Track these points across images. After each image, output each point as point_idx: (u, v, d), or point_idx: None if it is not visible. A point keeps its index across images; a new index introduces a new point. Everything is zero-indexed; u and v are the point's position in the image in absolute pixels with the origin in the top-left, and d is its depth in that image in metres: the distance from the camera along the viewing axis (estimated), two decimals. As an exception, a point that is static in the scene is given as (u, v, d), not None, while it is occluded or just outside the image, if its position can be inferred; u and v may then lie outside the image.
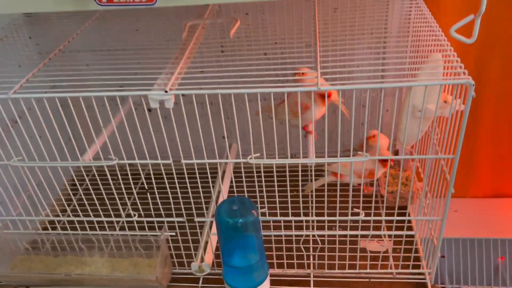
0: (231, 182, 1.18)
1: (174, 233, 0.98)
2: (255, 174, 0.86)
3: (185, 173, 0.87)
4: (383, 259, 1.01)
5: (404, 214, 1.15)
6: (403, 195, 1.14)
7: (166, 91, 0.75)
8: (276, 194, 0.89)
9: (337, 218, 0.91)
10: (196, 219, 0.95)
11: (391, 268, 1.02)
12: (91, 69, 1.25)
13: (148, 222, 0.97)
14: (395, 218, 0.91)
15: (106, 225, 0.99)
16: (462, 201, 1.63)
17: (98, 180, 0.90)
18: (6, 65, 1.13)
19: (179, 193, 0.90)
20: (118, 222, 0.98)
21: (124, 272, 0.97)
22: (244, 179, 0.88)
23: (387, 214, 1.07)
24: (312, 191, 0.94)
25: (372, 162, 1.02)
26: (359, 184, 1.11)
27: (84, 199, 0.95)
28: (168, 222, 0.97)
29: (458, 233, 1.49)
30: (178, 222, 0.96)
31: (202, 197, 0.91)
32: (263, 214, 0.92)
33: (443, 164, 0.86)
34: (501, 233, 1.49)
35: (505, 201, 1.59)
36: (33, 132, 0.84)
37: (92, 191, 0.94)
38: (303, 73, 1.05)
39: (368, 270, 1.01)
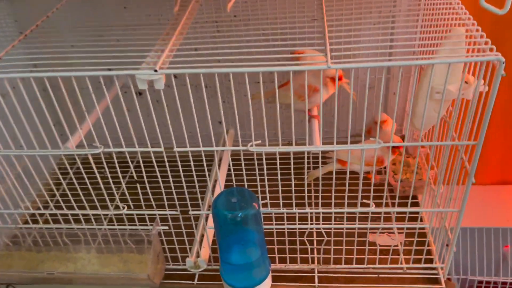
0: (229, 171, 1.10)
1: (167, 227, 0.90)
2: (256, 162, 0.78)
3: (178, 162, 0.79)
4: (392, 253, 0.94)
5: (414, 205, 1.08)
6: (411, 184, 1.07)
7: (155, 70, 0.66)
8: (279, 183, 0.81)
9: (345, 209, 0.84)
10: (191, 211, 0.87)
11: (401, 263, 0.94)
12: (74, 49, 1.16)
13: (138, 215, 0.89)
14: (409, 209, 0.84)
15: (92, 218, 0.91)
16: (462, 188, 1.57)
17: (82, 170, 0.82)
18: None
19: (171, 183, 0.82)
20: (105, 215, 0.89)
21: (113, 270, 0.89)
22: (243, 167, 0.80)
23: (395, 204, 1.00)
24: (318, 179, 0.86)
25: (381, 149, 0.94)
26: (367, 173, 1.03)
27: (68, 191, 0.87)
28: (160, 215, 0.89)
29: (464, 222, 1.43)
30: (171, 215, 0.88)
31: (197, 187, 0.83)
32: (264, 206, 0.85)
33: (461, 151, 0.78)
34: (509, 221, 1.44)
35: (514, 188, 1.53)
36: (8, 118, 0.76)
37: (76, 183, 0.85)
38: (299, 55, 0.97)
39: (377, 265, 0.94)
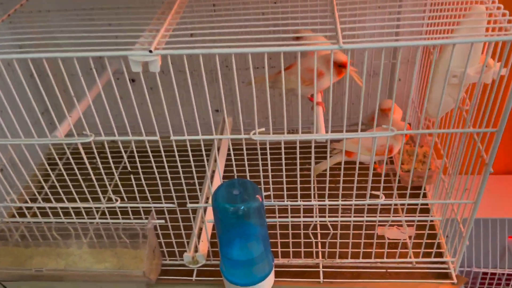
0: (228, 161, 1.05)
1: (163, 220, 0.85)
2: (259, 152, 0.73)
3: (175, 151, 0.74)
4: (400, 247, 0.89)
5: (422, 196, 1.04)
6: (420, 174, 1.02)
7: (150, 51, 0.61)
8: (284, 174, 0.76)
9: (353, 201, 0.79)
10: (189, 204, 0.82)
11: (410, 257, 0.90)
12: (63, 32, 1.10)
13: (132, 208, 0.84)
14: (421, 201, 0.79)
15: (83, 211, 0.85)
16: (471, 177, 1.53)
17: (72, 161, 0.76)
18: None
19: (168, 174, 0.76)
20: (97, 208, 0.84)
21: (106, 266, 0.83)
22: (245, 157, 0.74)
23: (402, 196, 0.96)
24: (325, 171, 0.81)
25: (389, 138, 0.89)
26: (374, 163, 0.98)
27: (57, 183, 0.81)
28: (155, 207, 0.83)
29: (466, 213, 1.40)
30: (167, 207, 0.82)
31: (195, 177, 0.78)
32: (267, 198, 0.80)
33: (479, 140, 0.74)
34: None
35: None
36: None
37: (65, 174, 0.79)
38: (302, 34, 0.91)
39: (385, 259, 0.89)
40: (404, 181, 1.04)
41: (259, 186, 0.75)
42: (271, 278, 0.81)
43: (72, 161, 0.76)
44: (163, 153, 0.74)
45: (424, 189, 1.05)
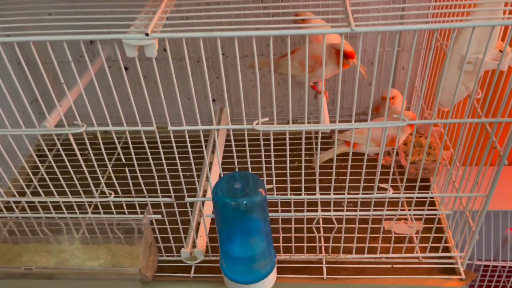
0: (230, 153, 1.01)
1: (159, 215, 0.81)
2: (262, 143, 0.69)
3: (173, 142, 0.69)
4: (407, 241, 0.86)
5: (426, 189, 1.00)
6: (426, 166, 0.99)
7: (147, 34, 0.56)
8: (288, 165, 0.72)
9: (360, 196, 0.75)
10: (187, 198, 0.78)
11: (416, 252, 0.87)
12: (52, 15, 1.05)
13: (127, 202, 0.79)
14: (430, 194, 0.76)
15: (75, 205, 0.81)
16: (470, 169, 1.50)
17: (62, 152, 0.72)
18: None
19: (165, 166, 0.72)
20: (90, 202, 0.79)
21: (99, 263, 0.79)
22: (247, 149, 0.70)
23: (407, 188, 0.92)
24: (328, 162, 0.77)
25: (394, 127, 0.85)
26: (376, 154, 0.95)
27: (46, 176, 0.76)
28: (151, 202, 0.79)
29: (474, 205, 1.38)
30: (164, 201, 0.78)
31: (194, 169, 0.73)
32: (269, 191, 0.76)
33: (489, 131, 0.70)
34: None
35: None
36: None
37: (55, 167, 0.75)
38: (302, 19, 0.87)
39: (390, 255, 0.86)
40: (409, 173, 1.00)
41: (261, 178, 0.71)
42: (273, 275, 0.77)
43: (62, 152, 0.71)
44: (159, 144, 0.69)
45: (428, 181, 1.02)
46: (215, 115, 1.19)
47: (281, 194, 0.77)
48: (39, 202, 0.80)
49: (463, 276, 0.83)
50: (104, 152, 0.72)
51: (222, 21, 0.60)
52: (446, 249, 0.88)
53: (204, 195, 0.93)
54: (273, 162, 0.71)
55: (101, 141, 0.70)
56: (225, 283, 0.78)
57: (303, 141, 0.68)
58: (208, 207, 0.90)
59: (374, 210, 0.78)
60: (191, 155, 0.71)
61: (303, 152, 0.69)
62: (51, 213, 0.82)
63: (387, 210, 0.79)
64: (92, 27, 0.59)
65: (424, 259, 0.86)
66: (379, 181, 0.73)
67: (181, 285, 0.85)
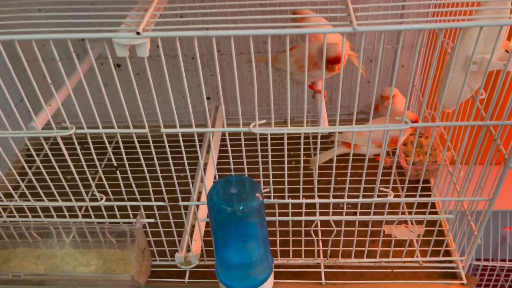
0: (226, 154, 0.98)
1: (152, 219, 0.78)
2: (259, 147, 0.66)
3: (166, 145, 0.67)
4: (407, 245, 0.84)
5: (427, 190, 0.99)
6: (427, 167, 0.96)
7: (138, 33, 0.53)
8: (286, 168, 0.69)
9: (360, 200, 0.73)
10: (181, 202, 0.75)
11: (417, 256, 0.84)
12: (41, 11, 1.02)
13: (119, 206, 0.77)
14: (432, 199, 0.74)
15: (65, 210, 0.78)
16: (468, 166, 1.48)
17: (51, 156, 0.69)
18: None
19: (157, 167, 0.69)
20: (80, 207, 0.77)
21: (90, 269, 0.77)
22: (244, 152, 0.68)
23: (409, 190, 0.90)
24: (327, 164, 0.75)
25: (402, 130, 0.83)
26: (375, 155, 0.92)
27: (34, 180, 0.73)
28: (144, 205, 0.76)
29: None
30: (157, 205, 0.75)
31: (187, 170, 0.70)
32: (266, 196, 0.73)
33: (494, 133, 0.68)
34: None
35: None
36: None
37: (43, 170, 0.72)
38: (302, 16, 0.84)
39: (390, 259, 0.84)
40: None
41: (257, 180, 0.69)
42: (270, 281, 0.75)
43: (51, 156, 0.68)
44: (152, 147, 0.66)
45: (430, 183, 1.00)
46: (210, 113, 1.16)
47: (278, 197, 0.75)
48: (27, 206, 0.77)
49: (465, 281, 0.81)
50: (94, 154, 0.69)
51: (217, 19, 0.58)
52: (447, 253, 0.86)
53: (198, 198, 0.90)
54: (270, 165, 0.68)
55: (91, 144, 0.67)
56: (221, 289, 0.76)
57: (302, 145, 0.65)
58: (203, 211, 0.88)
59: (374, 214, 0.76)
60: (185, 158, 0.68)
61: (302, 156, 0.67)
62: (40, 217, 0.79)
63: (387, 213, 0.76)
64: (83, 25, 0.56)
65: (425, 263, 0.84)
66: (380, 184, 0.71)
67: (175, 290, 0.83)
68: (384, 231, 0.79)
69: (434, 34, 0.99)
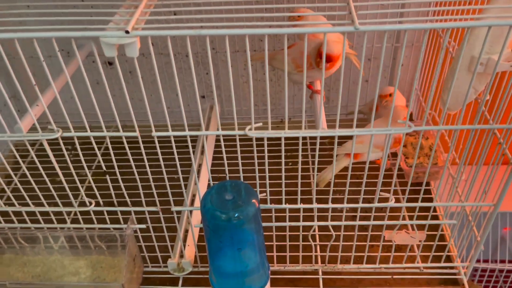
0: (220, 156, 0.95)
1: (144, 225, 0.75)
2: (254, 148, 0.63)
3: (158, 149, 0.64)
4: (406, 250, 0.81)
5: (428, 193, 0.96)
6: (426, 169, 0.94)
7: (127, 32, 0.50)
8: (283, 171, 0.67)
9: (360, 205, 0.70)
10: (174, 207, 0.72)
11: (418, 262, 0.82)
12: (29, 8, 0.98)
13: (109, 212, 0.73)
14: (434, 204, 0.71)
15: (53, 216, 0.75)
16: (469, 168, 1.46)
17: (36, 160, 0.65)
18: None
19: (149, 173, 0.66)
20: (69, 213, 0.73)
21: (79, 278, 0.74)
22: (239, 156, 0.65)
23: (410, 193, 0.87)
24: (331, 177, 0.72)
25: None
26: (377, 159, 0.90)
27: (20, 186, 0.70)
28: (135, 211, 0.73)
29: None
30: (149, 211, 0.72)
31: (180, 175, 0.67)
32: (263, 201, 0.70)
33: (498, 136, 0.66)
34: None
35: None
36: None
37: (29, 175, 0.68)
38: (300, 14, 0.82)
39: (390, 265, 0.81)
40: (408, 177, 0.95)
41: (253, 182, 0.66)
42: (267, 289, 0.72)
43: (36, 160, 0.65)
44: (143, 150, 0.63)
45: (430, 185, 0.98)
46: (204, 113, 1.13)
47: (275, 202, 0.72)
48: (13, 212, 0.74)
49: (467, 288, 0.79)
50: (82, 159, 0.66)
51: (212, 17, 0.55)
52: (448, 259, 0.83)
53: (192, 202, 0.87)
54: (267, 169, 0.65)
55: (79, 147, 0.64)
56: (215, 298, 0.73)
57: (300, 151, 0.62)
58: (197, 216, 0.85)
59: (374, 218, 0.73)
60: (177, 161, 0.65)
61: (300, 157, 0.64)
62: (27, 223, 0.75)
63: (387, 217, 0.74)
64: (72, 22, 0.53)
65: (426, 269, 0.82)
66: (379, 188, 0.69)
67: (167, 298, 0.80)
68: (384, 236, 0.76)
69: (434, 33, 0.97)
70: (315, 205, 0.71)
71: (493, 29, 0.58)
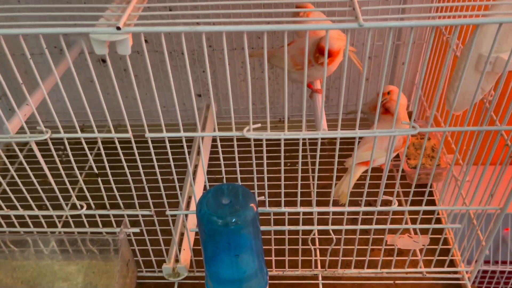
0: (216, 157, 0.93)
1: (137, 229, 0.72)
2: (252, 150, 0.60)
3: (152, 150, 0.61)
4: (408, 255, 0.79)
5: (431, 195, 0.94)
6: (428, 171, 0.92)
7: (118, 28, 0.47)
8: (282, 175, 0.64)
9: (362, 209, 0.68)
10: (169, 211, 0.69)
11: (420, 267, 0.80)
12: (20, 3, 0.95)
13: (101, 216, 0.71)
14: (439, 208, 0.69)
15: (42, 220, 0.72)
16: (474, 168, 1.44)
17: (25, 163, 0.63)
18: None
19: (142, 172, 0.63)
20: (60, 217, 0.71)
21: (70, 284, 0.71)
22: (237, 157, 0.62)
23: (408, 196, 0.85)
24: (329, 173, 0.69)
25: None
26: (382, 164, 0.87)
27: (8, 189, 0.67)
28: (129, 215, 0.71)
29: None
30: (142, 214, 0.70)
31: (175, 174, 0.64)
32: (261, 204, 0.68)
33: (505, 137, 0.63)
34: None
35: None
36: None
37: (17, 178, 0.65)
38: (304, 13, 0.79)
39: (392, 270, 0.79)
40: (410, 179, 0.93)
41: (250, 184, 0.64)
42: (265, 295, 0.70)
43: (24, 162, 0.62)
44: (136, 152, 0.61)
45: (432, 187, 0.95)
46: (201, 112, 1.10)
47: (274, 206, 0.69)
48: (1, 215, 0.71)
49: (471, 293, 0.77)
50: (73, 161, 0.63)
51: (208, 13, 0.52)
52: (452, 263, 0.81)
53: (187, 205, 0.84)
54: (265, 172, 0.63)
55: (69, 149, 0.61)
56: (212, 304, 0.71)
57: (300, 152, 0.60)
58: (192, 219, 0.82)
59: (376, 222, 0.71)
60: (172, 163, 0.62)
61: (300, 159, 0.61)
62: (16, 228, 0.73)
63: (390, 221, 0.71)
64: (63, 18, 0.50)
65: (428, 273, 0.80)
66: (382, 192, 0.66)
67: (162, 304, 0.77)
68: (386, 241, 0.74)
69: (436, 31, 0.94)
70: (315, 209, 0.69)
71: (502, 26, 0.56)
